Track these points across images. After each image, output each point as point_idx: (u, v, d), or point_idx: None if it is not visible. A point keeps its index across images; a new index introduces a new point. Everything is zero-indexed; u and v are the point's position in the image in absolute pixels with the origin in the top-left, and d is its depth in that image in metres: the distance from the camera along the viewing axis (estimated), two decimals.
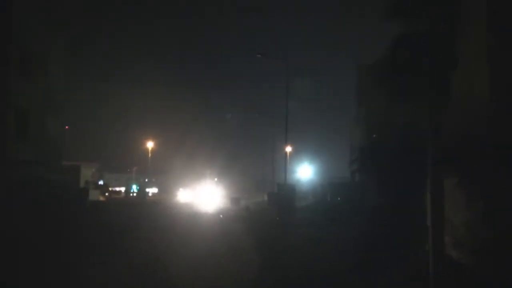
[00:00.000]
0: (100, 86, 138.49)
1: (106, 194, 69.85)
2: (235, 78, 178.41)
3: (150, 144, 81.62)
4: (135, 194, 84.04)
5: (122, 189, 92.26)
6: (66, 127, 39.13)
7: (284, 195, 32.44)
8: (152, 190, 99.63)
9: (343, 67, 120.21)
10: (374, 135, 27.83)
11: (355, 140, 47.46)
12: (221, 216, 32.67)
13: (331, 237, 19.10)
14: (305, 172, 68.86)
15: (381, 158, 24.52)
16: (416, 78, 10.73)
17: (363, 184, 34.60)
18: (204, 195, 71.24)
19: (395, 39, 11.20)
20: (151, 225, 23.13)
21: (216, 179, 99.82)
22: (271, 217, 30.83)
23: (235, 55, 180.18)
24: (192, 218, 29.57)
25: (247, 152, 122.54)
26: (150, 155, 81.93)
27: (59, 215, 23.85)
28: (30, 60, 30.52)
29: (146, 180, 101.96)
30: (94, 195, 53.98)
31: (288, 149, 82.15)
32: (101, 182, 78.38)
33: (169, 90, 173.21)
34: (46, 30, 32.64)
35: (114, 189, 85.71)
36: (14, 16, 29.24)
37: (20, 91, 29.44)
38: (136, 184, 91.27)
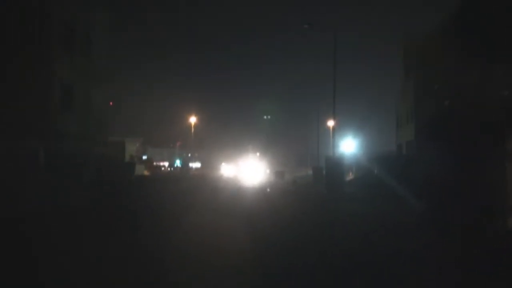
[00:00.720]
0: (145, 62, 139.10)
1: (150, 168, 70.21)
2: (280, 51, 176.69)
3: (193, 119, 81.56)
4: (177, 169, 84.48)
5: (166, 163, 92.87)
6: (110, 102, 38.99)
7: (332, 168, 31.46)
8: (195, 165, 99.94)
9: (385, 39, 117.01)
10: (447, 102, 25.96)
11: (402, 111, 46.13)
12: (268, 190, 32.06)
13: (387, 213, 18.19)
14: (349, 146, 67.54)
15: (455, 127, 23.02)
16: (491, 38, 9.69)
17: (420, 157, 33.33)
18: (247, 170, 70.83)
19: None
20: (202, 199, 22.61)
21: (258, 153, 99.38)
22: (318, 191, 30.12)
23: (278, 27, 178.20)
24: (240, 192, 29.01)
25: (290, 127, 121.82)
26: (193, 130, 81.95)
27: (108, 189, 23.65)
28: (74, 34, 30.30)
29: (189, 155, 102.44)
30: (139, 170, 54.26)
31: (331, 123, 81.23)
32: (144, 157, 78.86)
33: (214, 66, 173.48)
34: (91, 3, 32.36)
35: (158, 163, 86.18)
36: None
37: (64, 64, 29.25)
38: (179, 158, 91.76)
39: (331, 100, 35.59)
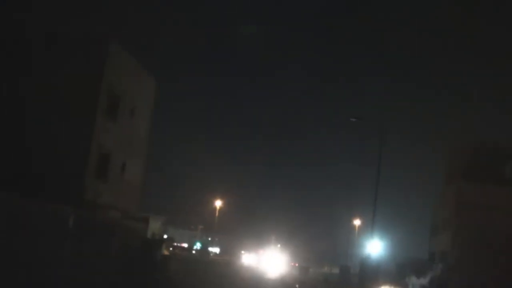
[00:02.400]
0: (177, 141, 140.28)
1: (170, 248, 68.66)
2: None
3: (218, 203, 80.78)
4: (197, 252, 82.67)
5: (185, 244, 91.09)
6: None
7: (367, 272, 29.89)
8: (214, 250, 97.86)
9: (429, 146, 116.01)
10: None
11: (439, 219, 44.61)
12: (296, 286, 30.34)
13: None
14: (375, 247, 65.28)
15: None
16: None
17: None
18: (268, 261, 69.00)
19: None
20: None
21: (279, 245, 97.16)
22: None
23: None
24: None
25: (312, 221, 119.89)
26: (217, 214, 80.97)
27: (134, 267, 22.57)
28: (118, 102, 30.21)
29: (209, 238, 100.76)
30: None
31: (357, 222, 79.54)
32: (165, 236, 77.41)
33: (244, 153, 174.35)
34: (136, 71, 32.48)
35: (178, 244, 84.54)
36: (105, 55, 29.09)
37: (105, 132, 28.99)
38: (200, 241, 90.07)
39: (360, 197, 34.62)
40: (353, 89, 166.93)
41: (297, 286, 30.21)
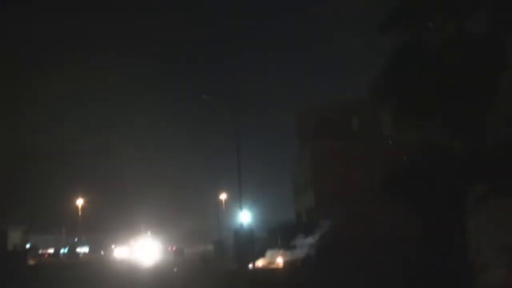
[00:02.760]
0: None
1: (35, 257, 64.99)
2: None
3: (80, 201, 77.72)
4: (65, 255, 79.08)
5: (51, 250, 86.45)
6: None
7: (241, 241, 30.55)
8: (83, 249, 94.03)
9: (281, 109, 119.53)
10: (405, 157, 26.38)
11: (300, 180, 46.70)
12: (175, 269, 30.11)
13: None
14: (245, 218, 66.84)
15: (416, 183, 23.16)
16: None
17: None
18: (141, 250, 68.03)
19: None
20: None
21: (149, 232, 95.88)
22: (229, 267, 28.80)
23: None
24: (151, 276, 26.61)
25: (180, 203, 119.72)
26: (80, 213, 77.94)
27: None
28: None
29: (76, 239, 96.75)
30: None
31: (223, 196, 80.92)
32: (28, 245, 73.01)
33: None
34: None
35: (43, 251, 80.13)
36: None
37: None
38: (65, 246, 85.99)
39: (223, 171, 35.29)
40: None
41: (175, 269, 29.97)
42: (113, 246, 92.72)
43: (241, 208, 39.22)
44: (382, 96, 10.84)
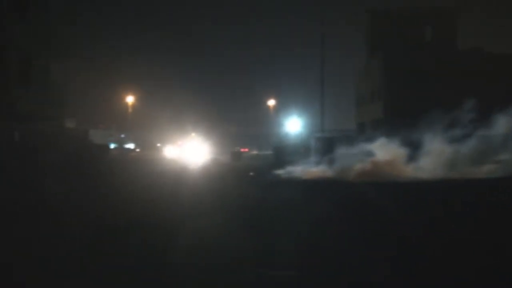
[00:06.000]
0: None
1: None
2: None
3: (130, 99, 77.68)
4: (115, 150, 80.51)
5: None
6: None
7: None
8: (130, 146, 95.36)
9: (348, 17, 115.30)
10: None
11: (366, 90, 45.08)
12: (251, 173, 28.91)
13: None
14: (294, 125, 65.47)
15: None
16: None
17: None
18: (192, 151, 67.23)
19: None
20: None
21: (194, 134, 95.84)
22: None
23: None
24: (228, 180, 24.20)
25: (233, 107, 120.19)
26: (130, 110, 78.21)
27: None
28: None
29: (122, 135, 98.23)
30: None
31: (272, 102, 79.94)
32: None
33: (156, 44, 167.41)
34: None
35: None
36: None
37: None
38: (114, 142, 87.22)
39: (272, 78, 34.37)
40: None
41: (251, 173, 29.15)
42: (158, 145, 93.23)
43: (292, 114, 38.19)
44: None
